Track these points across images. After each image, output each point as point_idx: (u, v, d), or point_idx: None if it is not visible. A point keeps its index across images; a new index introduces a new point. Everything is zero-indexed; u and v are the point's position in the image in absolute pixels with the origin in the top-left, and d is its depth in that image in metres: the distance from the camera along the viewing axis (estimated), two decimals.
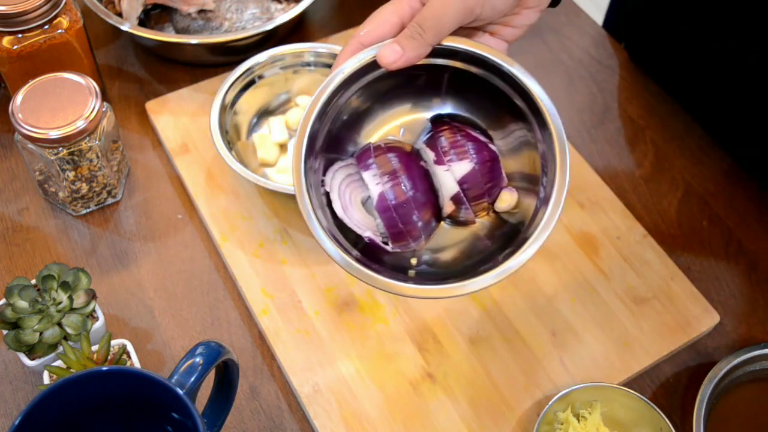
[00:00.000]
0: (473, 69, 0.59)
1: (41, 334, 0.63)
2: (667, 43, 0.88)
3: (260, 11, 0.90)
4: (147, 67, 0.92)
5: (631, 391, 0.65)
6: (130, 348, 0.66)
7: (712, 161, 0.87)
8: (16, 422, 0.51)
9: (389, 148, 0.60)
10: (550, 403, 0.64)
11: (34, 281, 0.66)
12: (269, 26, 0.86)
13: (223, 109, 0.80)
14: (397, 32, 0.57)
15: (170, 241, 0.78)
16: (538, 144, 0.57)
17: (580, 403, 0.67)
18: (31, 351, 0.64)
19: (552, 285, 0.75)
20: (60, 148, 0.71)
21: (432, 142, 0.60)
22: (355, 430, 0.67)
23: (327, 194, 0.59)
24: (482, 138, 0.60)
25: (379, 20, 0.58)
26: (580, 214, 0.80)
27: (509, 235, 0.58)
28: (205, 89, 0.87)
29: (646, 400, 0.64)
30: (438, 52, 0.57)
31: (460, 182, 0.59)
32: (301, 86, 0.86)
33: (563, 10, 1.00)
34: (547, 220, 0.54)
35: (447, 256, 0.60)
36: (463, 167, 0.59)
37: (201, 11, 0.89)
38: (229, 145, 0.78)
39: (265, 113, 0.85)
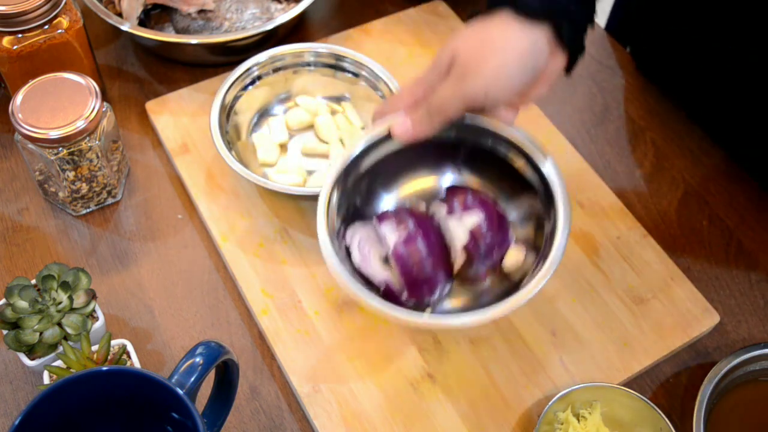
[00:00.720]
0: (486, 142, 0.65)
1: (41, 334, 0.63)
2: (672, 47, 0.88)
3: (260, 11, 0.90)
4: (147, 67, 0.92)
5: (631, 391, 0.65)
6: (130, 348, 0.66)
7: (712, 161, 0.87)
8: (16, 422, 0.51)
9: (406, 210, 0.66)
10: (550, 403, 0.64)
11: (34, 281, 0.66)
12: (269, 26, 0.86)
13: (223, 109, 0.80)
14: (408, 108, 0.64)
15: (170, 241, 0.78)
16: (546, 219, 0.63)
17: (580, 403, 0.67)
18: (31, 351, 0.64)
19: (552, 285, 0.75)
20: (60, 148, 0.71)
21: (445, 200, 0.67)
22: (355, 430, 0.67)
23: (347, 248, 0.65)
24: (491, 200, 0.67)
25: (397, 100, 0.65)
26: (580, 214, 0.80)
27: (509, 291, 0.62)
28: (205, 89, 0.87)
29: (646, 400, 0.64)
30: (452, 125, 0.63)
31: (471, 233, 0.64)
32: (301, 86, 0.86)
33: None
34: (544, 273, 0.60)
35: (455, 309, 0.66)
36: (473, 218, 0.64)
37: (201, 11, 0.89)
38: (229, 145, 0.78)
39: (265, 113, 0.85)
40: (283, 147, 0.84)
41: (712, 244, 0.81)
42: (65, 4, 0.77)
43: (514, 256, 0.64)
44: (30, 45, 0.76)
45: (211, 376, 0.60)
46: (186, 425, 0.55)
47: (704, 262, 0.80)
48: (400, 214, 0.65)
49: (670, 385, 0.72)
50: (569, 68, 0.64)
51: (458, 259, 0.64)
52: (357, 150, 0.65)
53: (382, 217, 0.65)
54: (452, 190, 0.68)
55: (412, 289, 0.63)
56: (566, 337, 0.72)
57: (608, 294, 0.75)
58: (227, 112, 0.81)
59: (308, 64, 0.85)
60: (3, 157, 0.84)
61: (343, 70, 0.85)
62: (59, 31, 0.76)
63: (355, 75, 0.84)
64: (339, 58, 0.84)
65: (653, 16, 0.91)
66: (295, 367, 0.70)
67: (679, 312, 0.74)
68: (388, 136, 0.65)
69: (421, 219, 0.65)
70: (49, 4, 0.75)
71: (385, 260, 0.65)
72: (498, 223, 0.64)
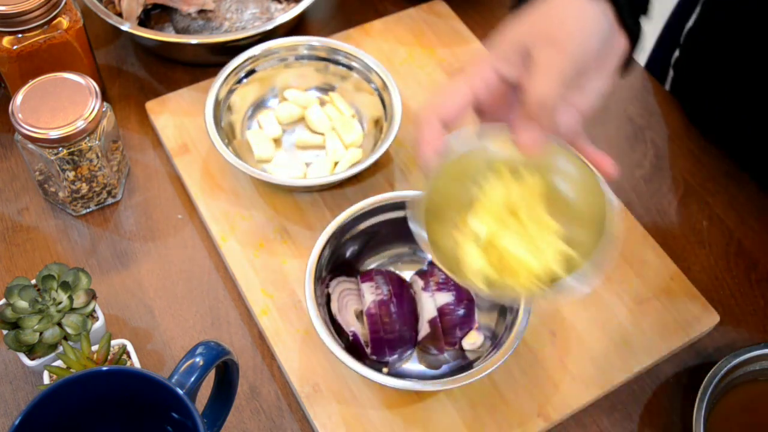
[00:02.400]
0: None
1: (41, 334, 0.63)
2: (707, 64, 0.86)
3: (260, 11, 0.90)
4: (147, 67, 0.92)
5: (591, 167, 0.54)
6: (130, 348, 0.66)
7: (712, 161, 0.87)
8: (16, 422, 0.51)
9: (388, 273, 0.71)
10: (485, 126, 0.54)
11: (34, 281, 0.66)
12: (269, 26, 0.86)
13: (218, 105, 0.80)
14: (469, 103, 0.55)
15: (170, 241, 0.78)
16: (509, 312, 0.67)
17: (527, 165, 0.55)
18: (31, 351, 0.64)
19: None
20: (60, 148, 0.71)
21: (423, 274, 0.71)
22: (355, 430, 0.67)
23: (328, 295, 0.70)
24: None
25: (454, 92, 0.54)
26: None
27: (463, 367, 0.68)
28: (205, 89, 0.87)
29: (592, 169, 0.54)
30: None
31: (439, 309, 0.68)
32: (291, 80, 0.86)
33: None
34: (495, 360, 0.64)
35: (412, 373, 0.70)
36: (444, 297, 0.69)
37: (201, 11, 0.89)
38: (227, 143, 0.78)
39: (257, 109, 0.86)
40: (277, 142, 0.84)
41: (712, 244, 0.81)
42: (65, 4, 0.77)
43: (474, 338, 0.69)
44: (30, 45, 0.76)
45: (211, 376, 0.60)
46: (186, 425, 0.55)
47: (704, 262, 0.80)
48: (380, 277, 0.70)
49: (670, 385, 0.72)
50: (629, 57, 0.59)
51: (423, 330, 0.69)
52: (360, 210, 0.71)
53: (365, 275, 0.71)
54: (432, 266, 0.72)
55: (376, 346, 0.68)
56: (566, 337, 0.72)
57: (608, 294, 0.75)
58: (221, 108, 0.81)
59: (301, 58, 0.85)
60: (3, 157, 0.84)
61: (337, 63, 0.85)
62: (59, 31, 0.76)
63: (348, 68, 0.85)
64: (332, 51, 0.85)
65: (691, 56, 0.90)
66: (295, 367, 0.69)
67: (679, 312, 0.74)
68: (391, 205, 0.71)
69: (398, 286, 0.70)
70: (49, 4, 0.75)
71: (360, 314, 0.70)
72: (465, 306, 0.69)
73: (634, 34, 0.58)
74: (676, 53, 0.94)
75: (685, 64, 0.93)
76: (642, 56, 1.07)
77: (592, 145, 0.56)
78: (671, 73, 0.96)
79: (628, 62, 0.60)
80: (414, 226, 0.54)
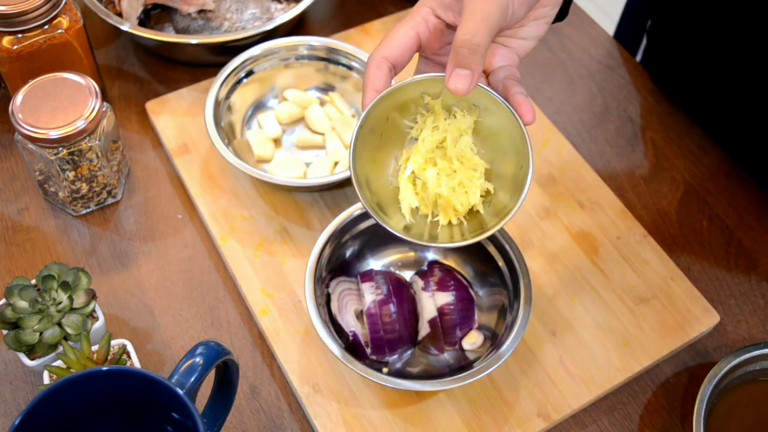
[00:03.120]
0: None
1: (41, 334, 0.63)
2: (684, 56, 0.87)
3: (260, 11, 0.90)
4: (147, 67, 0.92)
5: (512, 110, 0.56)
6: (130, 348, 0.66)
7: (712, 161, 0.87)
8: (16, 422, 0.51)
9: (388, 273, 0.71)
10: (424, 76, 0.56)
11: (34, 281, 0.66)
12: (269, 26, 0.86)
13: (218, 105, 0.80)
14: (416, 48, 0.57)
15: (170, 241, 0.78)
16: (509, 312, 0.68)
17: (458, 101, 0.58)
18: (31, 351, 0.64)
19: (552, 285, 0.75)
20: (60, 148, 0.71)
21: (423, 274, 0.72)
22: (355, 430, 0.67)
23: (328, 295, 0.71)
24: (465, 282, 0.72)
25: (399, 35, 0.57)
26: (580, 214, 0.80)
27: (464, 368, 0.67)
28: (205, 89, 0.87)
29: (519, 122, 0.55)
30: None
31: (439, 309, 0.69)
32: (291, 80, 0.86)
33: None
34: (495, 360, 0.64)
35: (411, 373, 0.70)
36: (444, 297, 0.70)
37: (201, 11, 0.89)
38: (227, 143, 0.78)
39: (257, 109, 0.86)
40: (277, 142, 0.84)
41: (712, 244, 0.81)
42: (65, 4, 0.77)
43: (474, 338, 0.70)
44: (30, 45, 0.76)
45: (211, 376, 0.60)
46: (186, 425, 0.55)
47: (704, 262, 0.80)
48: (380, 277, 0.70)
49: (670, 385, 0.72)
50: (565, 4, 0.61)
51: (423, 330, 0.69)
52: (361, 210, 0.71)
53: (365, 275, 0.71)
54: (432, 266, 0.73)
55: (376, 346, 0.68)
56: (566, 337, 0.72)
57: (608, 294, 0.75)
58: (221, 108, 0.81)
59: (301, 58, 0.85)
60: (3, 157, 0.84)
61: (337, 63, 0.85)
62: (59, 31, 0.76)
63: (348, 68, 0.85)
64: (332, 51, 0.85)
65: (665, 25, 0.90)
66: (295, 367, 0.70)
67: (679, 312, 0.74)
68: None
69: (398, 286, 0.70)
70: (49, 4, 0.75)
71: (360, 314, 0.70)
72: (465, 306, 0.70)
73: None
74: (649, 23, 0.94)
75: (659, 34, 0.92)
76: (610, 25, 1.07)
77: (522, 91, 0.57)
78: (644, 42, 0.95)
79: (564, 9, 0.61)
80: (349, 160, 0.56)
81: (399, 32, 0.57)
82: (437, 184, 0.57)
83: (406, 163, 0.58)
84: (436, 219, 0.58)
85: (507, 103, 0.55)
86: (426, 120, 0.58)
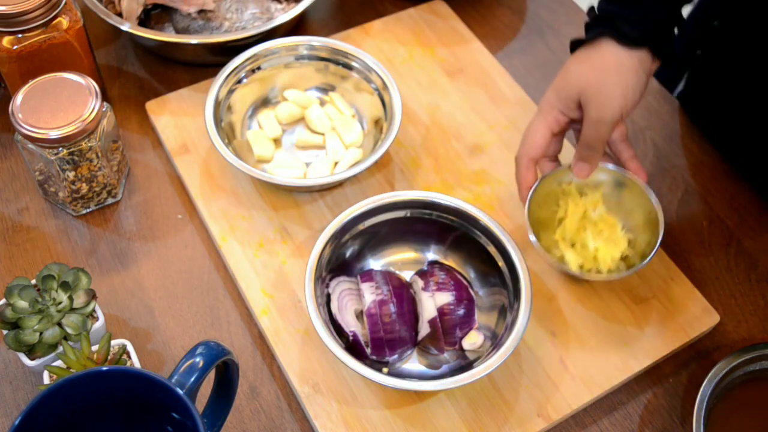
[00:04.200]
0: (475, 232, 0.72)
1: (41, 334, 0.63)
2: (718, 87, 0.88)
3: (260, 11, 0.90)
4: (147, 67, 0.92)
5: (636, 177, 0.73)
6: (130, 348, 0.66)
7: (712, 161, 0.87)
8: (16, 422, 0.51)
9: (388, 273, 0.72)
10: (553, 170, 0.74)
11: (34, 281, 0.66)
12: (269, 26, 0.86)
13: (218, 105, 0.80)
14: (549, 140, 0.73)
15: (170, 241, 0.78)
16: (509, 312, 0.68)
17: (585, 182, 0.74)
18: (31, 351, 0.64)
19: (552, 285, 0.75)
20: (60, 148, 0.71)
21: (423, 274, 0.72)
22: (355, 430, 0.67)
23: (328, 295, 0.71)
24: (465, 282, 0.72)
25: (538, 136, 0.72)
26: None
27: (463, 368, 0.68)
28: (206, 89, 0.87)
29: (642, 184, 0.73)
30: (451, 211, 0.73)
31: (439, 309, 0.69)
32: (291, 80, 0.86)
33: (563, 10, 1.00)
34: (495, 360, 0.64)
35: (412, 373, 0.70)
36: (444, 297, 0.70)
37: (201, 11, 0.89)
38: (227, 143, 0.78)
39: (257, 109, 0.86)
40: (277, 142, 0.84)
41: (712, 244, 0.81)
42: (65, 4, 0.77)
43: (474, 338, 0.70)
44: (30, 45, 0.76)
45: (211, 376, 0.60)
46: (186, 425, 0.55)
47: (704, 262, 0.80)
48: (380, 277, 0.71)
49: (670, 385, 0.72)
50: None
51: (423, 330, 0.69)
52: (360, 210, 0.71)
53: (365, 275, 0.71)
54: (432, 266, 0.74)
55: (376, 346, 0.68)
56: (566, 337, 0.72)
57: (608, 294, 0.75)
58: (221, 108, 0.81)
59: (301, 58, 0.85)
60: (3, 157, 0.84)
61: (337, 63, 0.85)
62: (59, 31, 0.76)
63: (348, 68, 0.85)
64: (332, 51, 0.85)
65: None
66: (295, 367, 0.70)
67: (679, 312, 0.74)
68: (391, 205, 0.72)
69: (398, 286, 0.70)
70: (49, 4, 0.75)
71: (360, 314, 0.70)
72: (465, 306, 0.70)
73: (668, 58, 0.71)
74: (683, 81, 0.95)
75: (698, 77, 0.93)
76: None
77: (633, 155, 0.74)
78: (681, 86, 0.96)
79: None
80: (531, 237, 0.71)
81: (537, 133, 0.73)
82: (593, 241, 0.72)
83: (562, 235, 0.74)
84: (599, 272, 0.72)
85: (624, 171, 0.74)
86: (567, 201, 0.74)
